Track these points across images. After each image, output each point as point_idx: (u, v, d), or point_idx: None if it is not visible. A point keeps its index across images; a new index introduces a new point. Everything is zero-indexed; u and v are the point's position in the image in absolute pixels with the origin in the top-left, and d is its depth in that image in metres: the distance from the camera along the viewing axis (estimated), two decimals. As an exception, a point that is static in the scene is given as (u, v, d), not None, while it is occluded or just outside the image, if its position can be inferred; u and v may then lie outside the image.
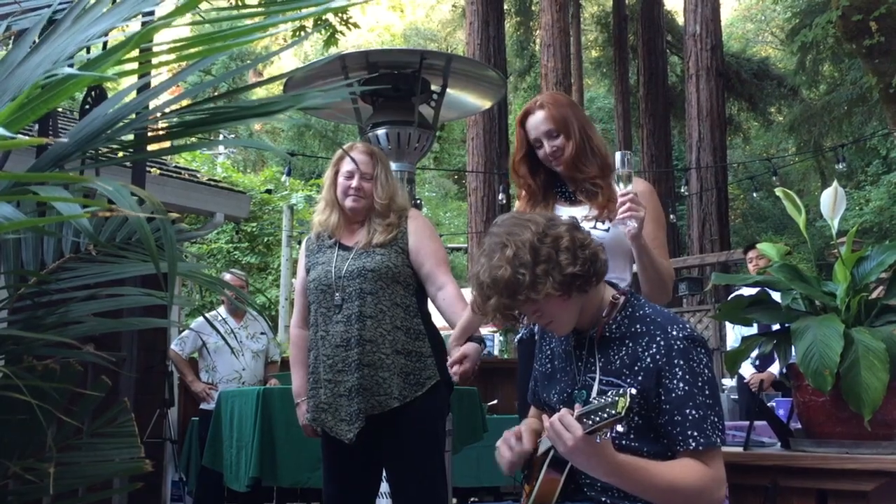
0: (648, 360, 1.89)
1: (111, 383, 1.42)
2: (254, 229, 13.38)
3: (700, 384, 1.85)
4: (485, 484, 5.93)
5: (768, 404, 3.54)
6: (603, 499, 1.92)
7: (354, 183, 2.89)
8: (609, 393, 1.71)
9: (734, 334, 6.06)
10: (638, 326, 1.95)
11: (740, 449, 2.52)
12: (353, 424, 2.78)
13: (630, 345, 1.93)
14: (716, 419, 1.85)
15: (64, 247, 1.28)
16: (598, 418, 1.67)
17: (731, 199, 17.49)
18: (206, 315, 6.01)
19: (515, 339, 2.84)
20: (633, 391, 1.68)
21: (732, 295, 4.97)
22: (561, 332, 1.98)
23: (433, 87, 3.81)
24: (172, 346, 6.07)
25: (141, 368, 5.45)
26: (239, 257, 13.24)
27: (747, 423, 2.66)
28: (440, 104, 3.78)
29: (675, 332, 1.90)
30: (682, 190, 13.26)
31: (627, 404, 1.64)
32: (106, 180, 0.80)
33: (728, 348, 6.65)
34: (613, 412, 1.65)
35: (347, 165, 2.91)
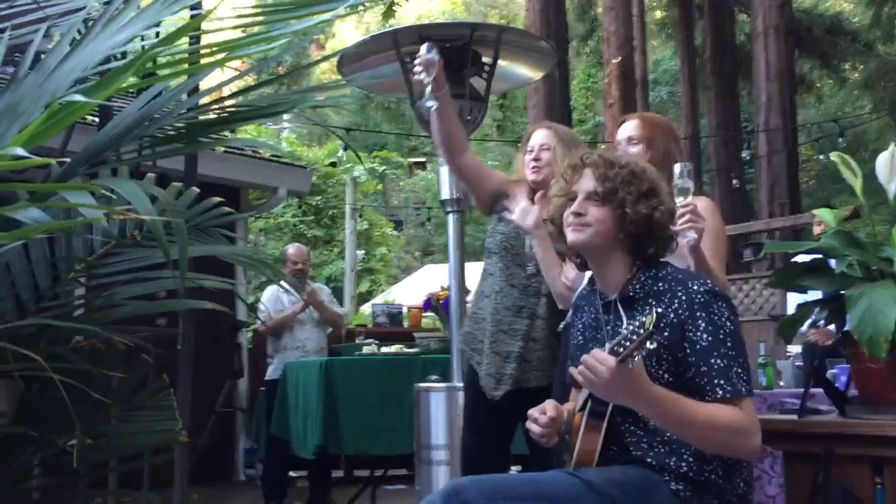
0: (672, 315, 1.92)
1: (170, 359, 1.50)
2: (319, 203, 13.54)
3: (722, 336, 1.89)
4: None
5: (831, 370, 3.48)
6: (648, 458, 1.94)
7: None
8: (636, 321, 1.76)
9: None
10: (661, 285, 1.99)
11: (794, 416, 2.50)
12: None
13: (654, 303, 1.96)
14: (740, 370, 1.88)
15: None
16: (628, 343, 1.71)
17: (803, 160, 16.97)
18: (270, 287, 6.16)
19: (560, 327, 2.91)
20: (659, 310, 1.74)
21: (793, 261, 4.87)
22: (579, 234, 2.03)
23: (485, 59, 3.81)
24: (259, 325, 6.14)
25: (208, 342, 5.64)
26: (305, 230, 13.44)
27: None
28: (492, 76, 3.78)
29: (695, 287, 1.94)
30: (744, 154, 12.91)
31: (654, 319, 1.67)
32: (121, 182, 0.86)
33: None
34: (641, 331, 1.69)
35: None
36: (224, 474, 7.22)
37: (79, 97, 0.79)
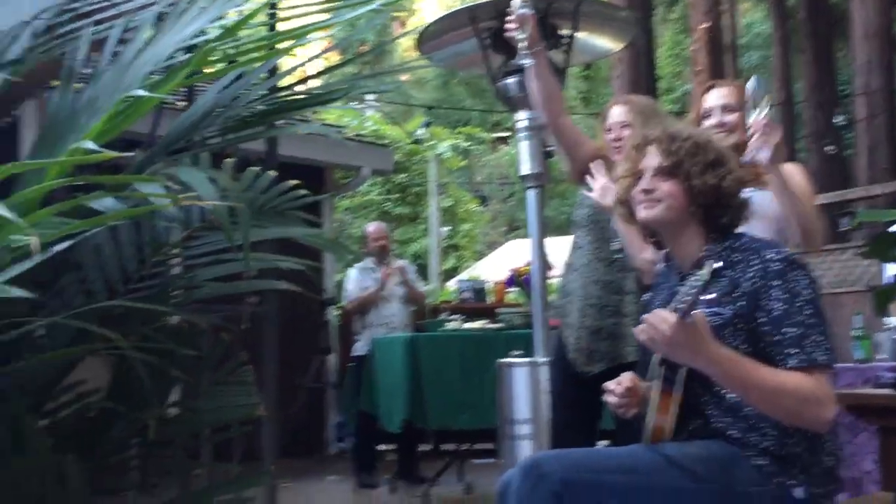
0: (747, 284, 1.91)
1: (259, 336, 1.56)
2: (403, 180, 13.63)
3: (799, 303, 1.85)
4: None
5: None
6: (730, 432, 1.91)
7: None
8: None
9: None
10: (737, 255, 1.97)
11: (890, 390, 2.43)
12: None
13: (729, 273, 1.94)
14: (819, 338, 1.84)
15: (192, 218, 1.42)
16: (686, 298, 1.73)
17: (906, 123, 16.14)
18: (356, 266, 6.27)
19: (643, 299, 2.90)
20: (718, 264, 1.74)
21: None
22: (650, 210, 2.02)
23: (563, 32, 3.76)
24: (347, 303, 6.28)
25: (297, 320, 5.79)
26: (390, 209, 13.57)
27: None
28: (570, 49, 3.73)
29: (770, 255, 1.92)
30: (837, 120, 12.37)
31: (711, 269, 1.70)
32: (186, 170, 0.91)
33: None
34: (697, 284, 1.70)
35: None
36: (315, 448, 7.42)
37: (141, 92, 0.83)
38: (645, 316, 1.81)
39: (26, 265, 0.97)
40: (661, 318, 1.76)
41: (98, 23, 1.40)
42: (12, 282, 0.95)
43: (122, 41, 1.43)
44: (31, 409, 1.33)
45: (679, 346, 1.77)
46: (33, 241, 0.83)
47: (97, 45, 1.45)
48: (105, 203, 0.95)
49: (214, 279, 1.44)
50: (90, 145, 0.79)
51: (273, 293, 2.18)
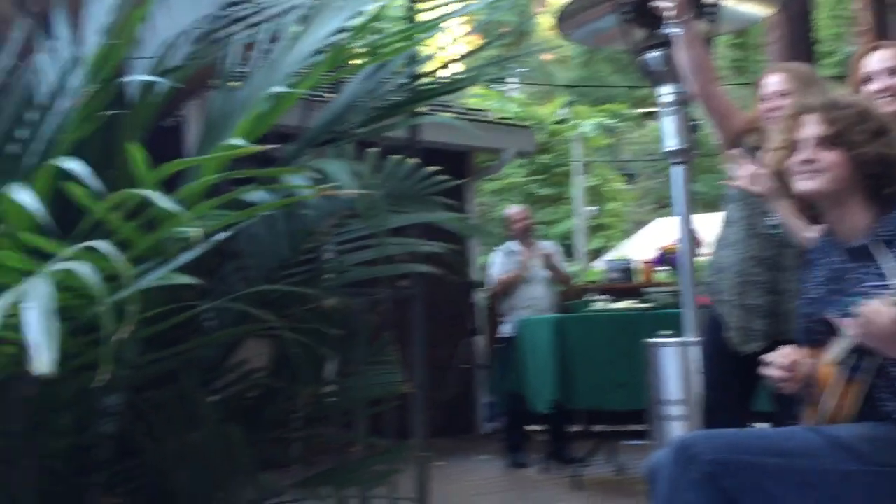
0: None
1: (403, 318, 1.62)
2: (547, 161, 13.55)
3: None
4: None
5: None
6: None
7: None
8: None
9: None
10: None
11: None
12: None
13: None
14: None
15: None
16: None
17: None
18: (499, 249, 6.31)
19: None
20: None
21: None
22: (811, 181, 1.93)
23: (709, 0, 3.64)
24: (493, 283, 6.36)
25: (442, 302, 5.89)
26: (535, 190, 13.53)
27: None
28: (716, 18, 3.61)
29: None
30: None
31: None
32: (327, 162, 0.96)
33: None
34: None
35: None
36: (466, 428, 7.56)
37: (280, 90, 0.89)
38: (861, 308, 1.71)
39: (192, 254, 1.06)
40: (881, 312, 1.67)
41: (250, 27, 1.50)
42: (180, 270, 1.05)
43: (273, 41, 1.52)
44: (200, 387, 1.45)
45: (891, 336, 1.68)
46: (195, 231, 0.92)
47: (252, 46, 1.55)
48: (257, 195, 1.03)
49: (361, 263, 1.52)
50: (239, 142, 0.86)
51: (420, 277, 2.25)
